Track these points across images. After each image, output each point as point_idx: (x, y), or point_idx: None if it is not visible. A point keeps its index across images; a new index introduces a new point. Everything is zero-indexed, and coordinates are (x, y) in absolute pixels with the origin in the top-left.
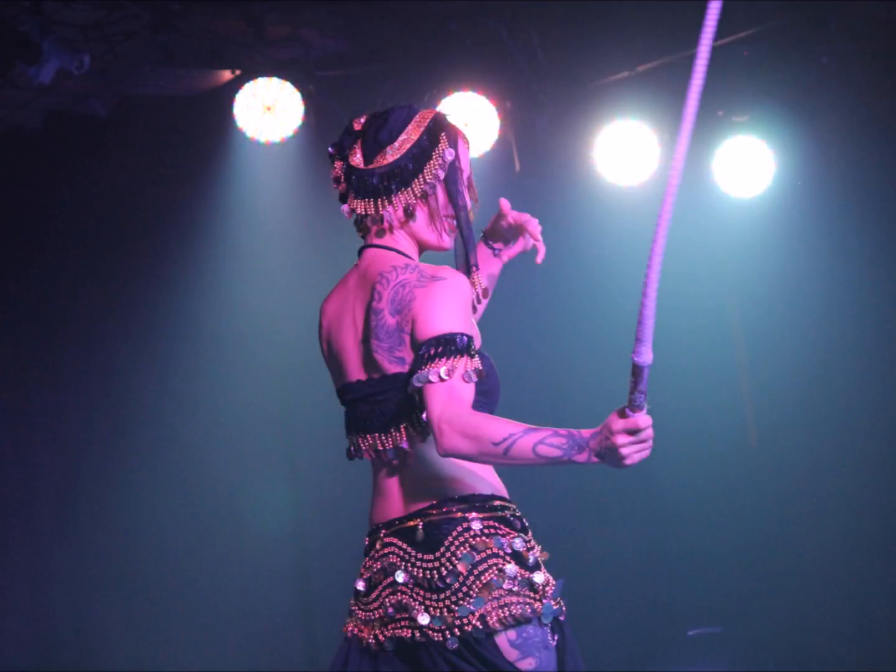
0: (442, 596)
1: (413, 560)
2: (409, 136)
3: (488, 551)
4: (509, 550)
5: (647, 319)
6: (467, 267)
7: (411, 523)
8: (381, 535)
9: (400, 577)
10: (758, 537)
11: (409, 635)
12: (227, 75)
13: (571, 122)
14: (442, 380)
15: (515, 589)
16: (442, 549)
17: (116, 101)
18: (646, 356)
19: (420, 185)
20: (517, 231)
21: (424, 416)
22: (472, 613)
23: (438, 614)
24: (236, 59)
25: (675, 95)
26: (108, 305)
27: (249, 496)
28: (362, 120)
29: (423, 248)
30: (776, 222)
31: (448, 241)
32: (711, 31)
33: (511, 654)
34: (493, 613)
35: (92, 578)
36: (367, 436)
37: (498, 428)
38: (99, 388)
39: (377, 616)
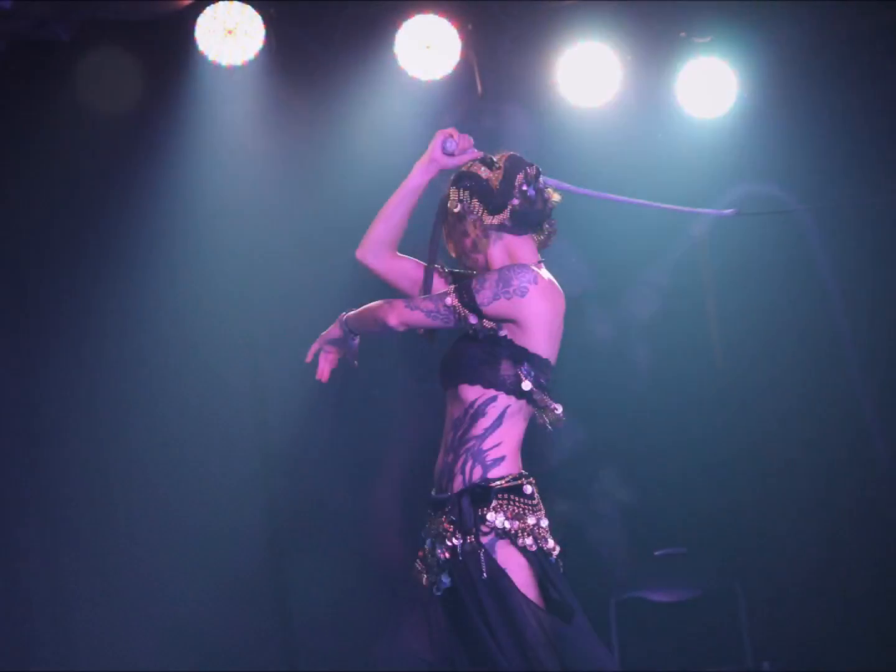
0: None
1: None
2: None
3: None
4: None
5: None
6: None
7: None
8: None
9: None
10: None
11: None
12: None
13: (534, 43)
14: None
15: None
16: None
17: (78, 26)
18: None
19: None
20: None
21: None
22: None
23: None
24: None
25: (637, 16)
26: (66, 228)
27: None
28: None
29: None
30: (740, 143)
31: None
32: None
33: None
34: None
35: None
36: None
37: None
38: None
39: None
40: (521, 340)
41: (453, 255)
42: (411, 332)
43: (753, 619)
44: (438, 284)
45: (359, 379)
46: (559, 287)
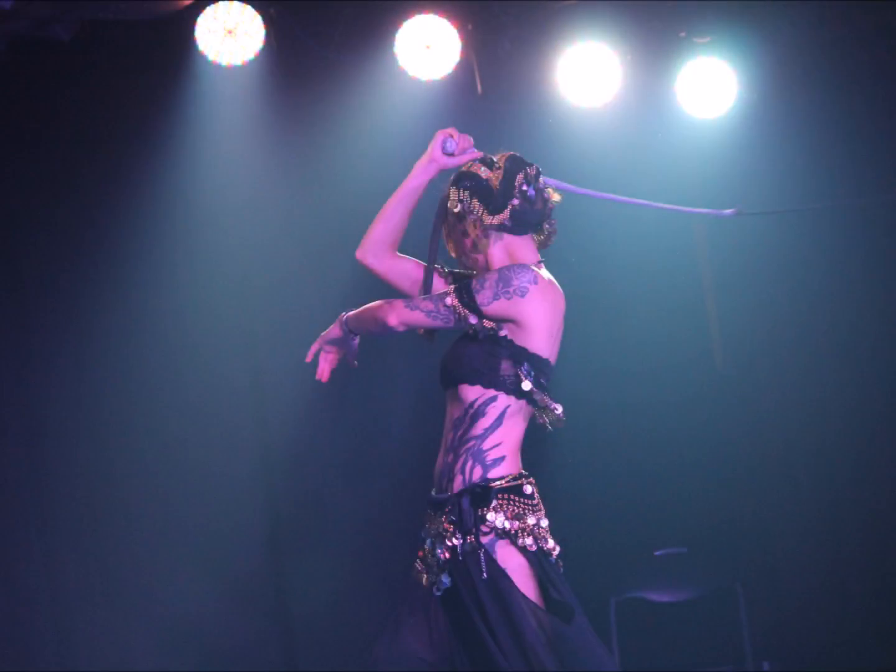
0: None
1: None
2: None
3: None
4: None
5: None
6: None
7: None
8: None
9: None
10: (724, 459)
11: None
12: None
13: (534, 43)
14: None
15: None
16: None
17: (78, 26)
18: None
19: None
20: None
21: None
22: None
23: None
24: None
25: (637, 16)
26: (67, 228)
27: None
28: None
29: None
30: (739, 143)
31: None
32: None
33: None
34: None
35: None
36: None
37: None
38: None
39: None
40: (521, 340)
41: (453, 255)
42: (411, 332)
43: (753, 619)
44: (438, 284)
45: (359, 379)
46: (559, 287)
